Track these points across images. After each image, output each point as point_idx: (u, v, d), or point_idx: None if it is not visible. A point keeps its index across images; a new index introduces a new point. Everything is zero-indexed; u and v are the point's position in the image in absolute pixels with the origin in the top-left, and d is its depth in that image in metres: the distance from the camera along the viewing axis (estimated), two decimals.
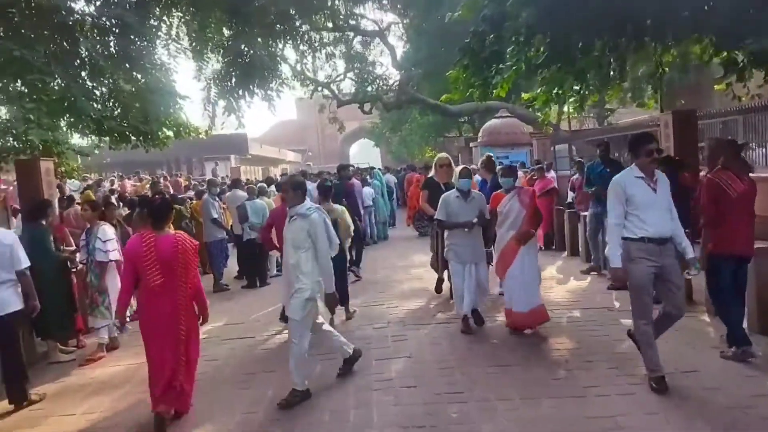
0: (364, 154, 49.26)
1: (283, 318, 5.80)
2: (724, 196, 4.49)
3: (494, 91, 6.80)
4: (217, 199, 8.87)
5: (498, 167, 7.59)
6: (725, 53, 9.17)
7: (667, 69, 10.26)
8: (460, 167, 5.75)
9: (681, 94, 17.80)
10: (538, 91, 9.22)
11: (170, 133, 9.68)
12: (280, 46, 11.91)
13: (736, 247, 4.51)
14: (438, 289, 7.13)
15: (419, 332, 5.71)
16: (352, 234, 6.60)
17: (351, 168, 11.79)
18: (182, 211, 9.75)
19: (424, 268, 9.09)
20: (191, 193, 11.86)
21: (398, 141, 34.58)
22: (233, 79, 9.81)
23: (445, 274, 6.59)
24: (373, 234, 11.99)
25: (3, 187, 11.66)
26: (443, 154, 6.98)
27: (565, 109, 33.12)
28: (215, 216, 8.73)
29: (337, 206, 6.35)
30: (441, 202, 5.56)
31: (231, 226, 9.47)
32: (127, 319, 4.30)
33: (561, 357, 4.77)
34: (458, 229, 5.49)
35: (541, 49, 6.47)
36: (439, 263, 6.69)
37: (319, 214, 4.25)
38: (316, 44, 19.76)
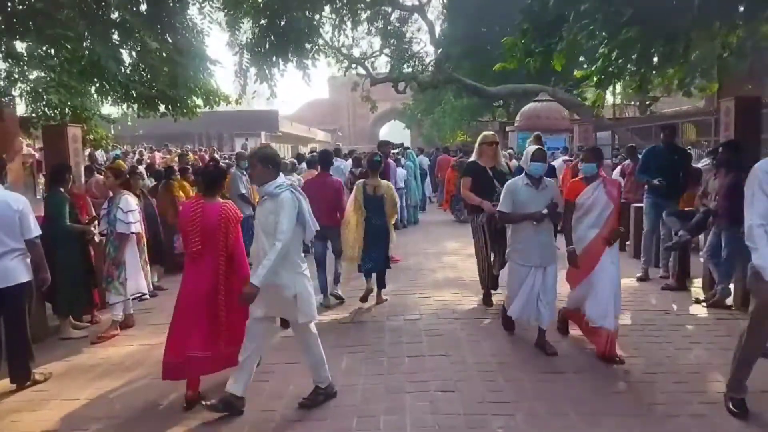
0: (394, 135, 48.49)
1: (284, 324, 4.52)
2: None
3: (552, 61, 6.14)
4: (245, 173, 8.45)
5: (581, 149, 6.87)
6: None
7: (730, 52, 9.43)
8: (533, 147, 4.58)
9: (735, 81, 16.76)
10: (593, 68, 8.55)
11: (199, 101, 9.22)
12: (317, 15, 11.19)
13: None
14: (487, 302, 5.84)
15: (454, 327, 5.22)
16: (397, 211, 6.26)
17: (391, 145, 11.07)
18: None
19: (457, 256, 8.58)
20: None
21: (430, 123, 33.85)
22: (267, 45, 9.13)
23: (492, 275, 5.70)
24: (403, 217, 11.46)
25: (30, 151, 11.49)
26: (489, 132, 5.89)
27: (609, 97, 31.93)
28: (243, 191, 8.31)
29: (384, 181, 5.98)
30: (506, 191, 4.57)
31: (257, 201, 9.08)
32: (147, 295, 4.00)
33: (619, 367, 4.21)
34: (526, 222, 4.47)
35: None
36: (488, 271, 5.67)
37: (292, 194, 3.47)
38: (353, 18, 19.08)
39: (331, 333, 5.09)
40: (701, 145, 15.27)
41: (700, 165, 11.66)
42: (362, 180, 5.95)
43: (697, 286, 6.42)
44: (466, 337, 4.92)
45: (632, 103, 25.21)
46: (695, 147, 14.15)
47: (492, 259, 5.65)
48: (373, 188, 5.75)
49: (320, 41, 9.81)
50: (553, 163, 13.64)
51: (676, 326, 5.16)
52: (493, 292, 5.89)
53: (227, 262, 3.78)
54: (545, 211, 4.36)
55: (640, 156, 9.64)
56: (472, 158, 5.81)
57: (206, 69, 8.76)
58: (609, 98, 30.73)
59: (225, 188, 8.90)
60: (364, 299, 5.95)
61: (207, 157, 14.36)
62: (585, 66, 11.55)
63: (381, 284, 6.07)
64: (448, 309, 5.78)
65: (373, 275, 6.00)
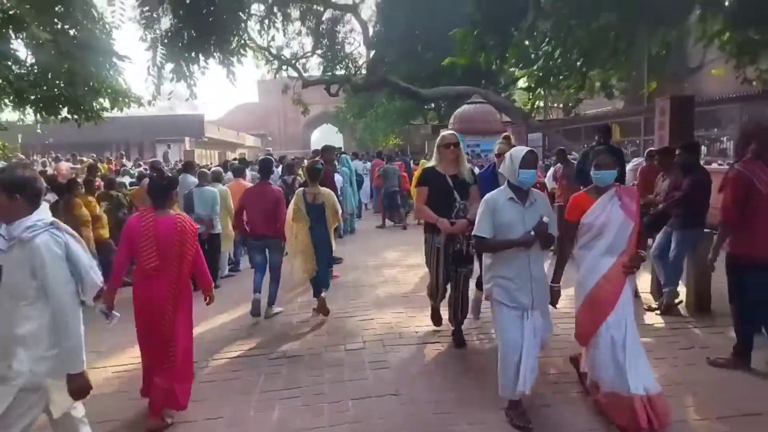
0: (326, 139, 47.53)
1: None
2: (752, 190, 3.85)
3: (507, 54, 5.68)
4: None
5: (591, 150, 6.12)
6: (729, 35, 8.37)
7: (663, 52, 9.45)
8: (522, 150, 3.42)
9: (659, 79, 17.30)
10: (534, 67, 8.25)
11: (106, 104, 8.12)
12: (242, 9, 10.17)
13: (759, 250, 3.85)
14: (436, 320, 5.15)
15: (402, 356, 4.62)
16: (340, 219, 6.06)
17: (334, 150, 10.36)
18: (120, 199, 8.39)
19: (398, 268, 8.03)
20: (129, 179, 10.37)
21: (363, 127, 33.33)
22: (185, 38, 8.01)
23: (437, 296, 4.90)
24: (339, 227, 10.78)
25: None
26: (448, 132, 4.75)
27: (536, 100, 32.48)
28: None
29: (325, 189, 5.82)
30: (483, 209, 3.42)
31: None
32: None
33: (586, 397, 3.75)
34: (513, 251, 3.36)
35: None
36: (439, 288, 4.73)
37: (53, 236, 2.45)
38: (283, 15, 18.22)
39: (261, 373, 4.38)
40: (625, 146, 15.62)
41: (630, 166, 11.76)
42: (302, 188, 5.81)
43: (645, 292, 6.17)
44: (418, 369, 4.33)
45: (556, 105, 25.75)
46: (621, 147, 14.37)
47: (449, 295, 4.73)
48: (313, 196, 5.61)
49: (246, 37, 8.83)
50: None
51: (678, 358, 4.79)
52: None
53: (184, 280, 3.61)
54: (533, 232, 3.30)
55: (571, 158, 9.53)
56: (430, 164, 4.74)
57: (113, 65, 7.66)
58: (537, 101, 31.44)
59: (138, 200, 8.03)
60: (324, 313, 5.76)
61: (113, 167, 13.10)
62: (520, 66, 11.42)
63: (318, 291, 5.83)
64: (394, 333, 5.18)
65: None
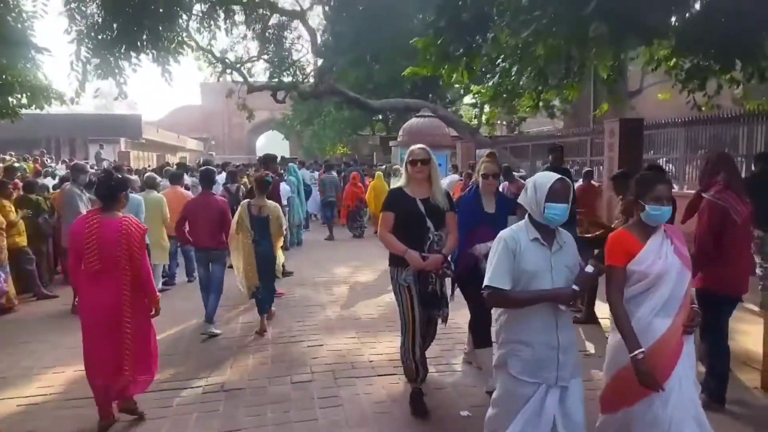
0: (272, 146, 46.55)
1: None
2: (728, 221, 3.66)
3: (474, 65, 5.37)
4: (84, 191, 6.76)
5: (616, 174, 5.36)
6: (675, 60, 8.48)
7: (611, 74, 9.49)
8: (551, 177, 2.60)
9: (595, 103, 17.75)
10: (490, 83, 8.08)
11: (24, 100, 7.26)
12: (180, 9, 9.37)
13: (735, 284, 3.75)
14: (419, 407, 3.78)
15: (356, 392, 4.16)
16: (284, 233, 5.94)
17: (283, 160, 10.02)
18: (40, 203, 7.56)
19: (349, 286, 7.59)
20: (51, 181, 9.45)
21: (310, 135, 32.73)
22: (115, 30, 7.18)
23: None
24: (286, 239, 10.24)
25: None
26: (417, 146, 3.77)
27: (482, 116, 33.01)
28: (83, 212, 6.62)
29: (270, 202, 5.68)
30: (501, 249, 2.56)
31: None
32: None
33: None
34: (538, 308, 2.51)
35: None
36: (414, 338, 3.65)
37: None
38: (227, 17, 17.49)
39: (193, 411, 3.82)
40: (570, 165, 15.85)
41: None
42: (247, 200, 5.69)
43: (606, 317, 5.99)
44: (373, 409, 3.88)
45: (500, 122, 26.16)
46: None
47: (419, 349, 3.69)
48: (258, 208, 5.48)
49: (184, 35, 8.07)
50: (444, 180, 13.29)
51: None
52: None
53: (132, 282, 3.52)
54: (577, 286, 2.46)
55: (518, 175, 9.44)
56: (397, 183, 3.95)
57: (30, 59, 6.81)
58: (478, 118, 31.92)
59: (59, 206, 7.24)
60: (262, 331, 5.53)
61: (37, 167, 12.02)
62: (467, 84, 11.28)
63: (263, 309, 5.63)
64: (346, 362, 4.72)
65: None
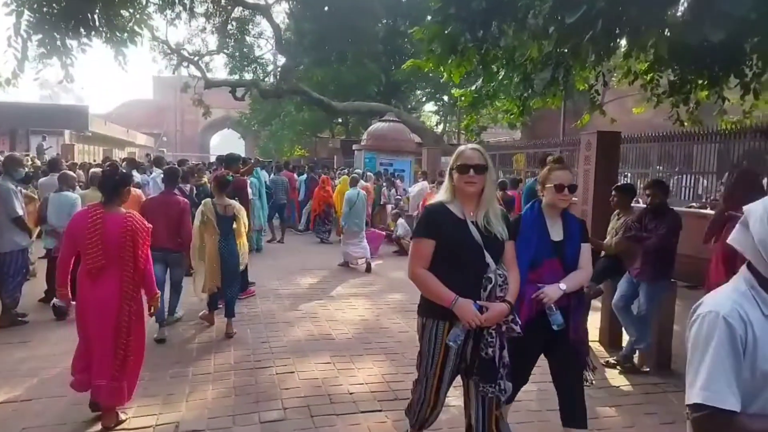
0: (227, 145, 45.13)
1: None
2: None
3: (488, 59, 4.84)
4: (20, 187, 5.90)
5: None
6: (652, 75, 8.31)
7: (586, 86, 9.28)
8: None
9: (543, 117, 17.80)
10: (472, 87, 7.63)
11: None
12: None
13: None
14: None
15: (336, 430, 3.58)
16: (245, 232, 5.71)
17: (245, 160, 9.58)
18: None
19: (317, 300, 6.97)
20: None
21: (268, 135, 31.80)
22: (62, 2, 6.14)
23: None
24: (251, 243, 9.54)
25: None
26: (471, 146, 2.67)
27: (440, 124, 33.04)
28: (19, 213, 5.72)
29: (234, 201, 5.61)
30: (722, 339, 1.37)
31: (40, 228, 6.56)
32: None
33: None
34: None
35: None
36: (433, 408, 2.72)
37: None
38: (187, 9, 16.55)
39: None
40: (527, 176, 15.81)
41: (414, 190, 11.62)
42: (209, 198, 5.57)
43: (594, 340, 5.61)
44: None
45: (458, 131, 26.14)
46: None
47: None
48: (224, 208, 5.39)
49: (143, 12, 7.19)
50: (414, 187, 12.90)
51: (606, 406, 4.12)
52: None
53: (136, 280, 3.49)
54: None
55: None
56: (437, 198, 2.71)
57: None
58: (441, 126, 31.83)
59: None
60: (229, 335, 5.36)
61: None
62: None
63: (230, 313, 5.49)
64: (322, 395, 4.10)
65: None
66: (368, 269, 8.90)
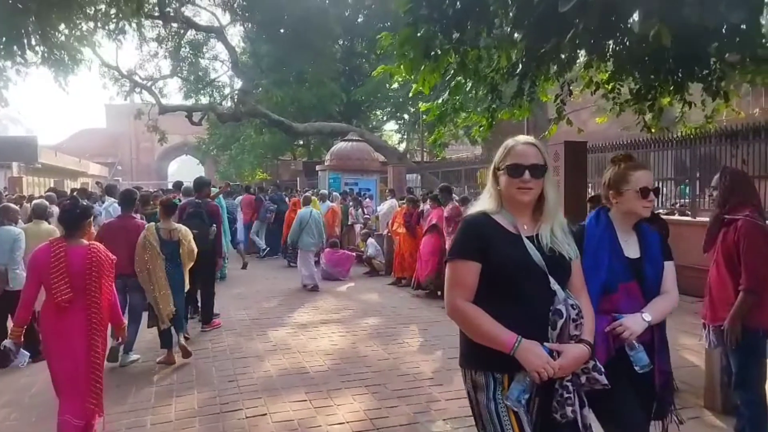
0: (185, 171, 44.15)
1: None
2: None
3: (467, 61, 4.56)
4: None
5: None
6: (613, 84, 8.30)
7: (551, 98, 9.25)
8: None
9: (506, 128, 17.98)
10: (439, 101, 7.40)
11: None
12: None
13: None
14: None
15: None
16: (194, 258, 5.45)
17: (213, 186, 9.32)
18: None
19: (287, 329, 6.54)
20: None
21: (228, 160, 31.14)
22: None
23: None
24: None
25: None
26: (523, 140, 1.98)
27: (402, 142, 33.08)
28: None
29: (180, 225, 5.48)
30: None
31: None
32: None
33: None
34: None
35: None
36: None
37: None
38: (136, 33, 16.00)
39: None
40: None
41: (385, 207, 11.65)
42: (153, 223, 5.38)
43: None
44: None
45: (421, 149, 26.22)
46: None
47: None
48: (168, 232, 5.26)
49: (85, 29, 6.66)
50: (382, 205, 12.60)
51: None
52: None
53: (102, 312, 3.42)
54: None
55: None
56: (478, 206, 2.04)
57: None
58: (404, 144, 31.84)
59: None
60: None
61: None
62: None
63: (179, 327, 5.36)
64: None
65: None
66: (314, 288, 8.86)
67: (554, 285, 1.86)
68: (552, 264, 1.88)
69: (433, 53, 4.53)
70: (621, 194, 2.27)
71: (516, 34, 5.83)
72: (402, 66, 4.89)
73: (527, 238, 1.91)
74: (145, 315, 5.41)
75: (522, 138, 1.97)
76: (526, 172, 1.89)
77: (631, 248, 2.25)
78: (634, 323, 2.08)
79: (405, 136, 31.00)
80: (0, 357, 5.22)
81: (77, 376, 3.29)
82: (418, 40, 4.34)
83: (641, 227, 2.31)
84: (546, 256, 1.89)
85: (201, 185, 7.12)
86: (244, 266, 11.22)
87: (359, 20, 26.15)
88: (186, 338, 5.56)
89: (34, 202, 6.47)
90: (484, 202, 2.02)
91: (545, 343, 1.80)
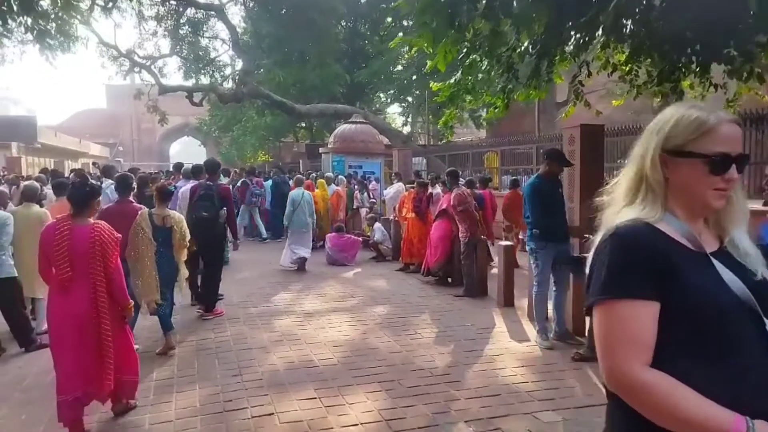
0: (188, 153, 43.73)
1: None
2: None
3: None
4: None
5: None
6: (630, 66, 7.93)
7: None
8: None
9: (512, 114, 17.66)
10: (451, 80, 7.03)
11: None
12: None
13: None
14: None
15: None
16: (187, 245, 5.21)
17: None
18: None
19: (293, 317, 6.25)
20: None
21: (229, 141, 30.75)
22: None
23: None
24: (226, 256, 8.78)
25: None
26: (727, 119, 1.23)
27: (406, 125, 32.62)
28: None
29: (174, 212, 5.34)
30: None
31: None
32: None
33: None
34: None
35: None
36: None
37: None
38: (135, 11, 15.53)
39: None
40: (495, 173, 15.51)
41: (392, 191, 11.32)
42: (147, 209, 5.24)
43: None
44: None
45: (427, 132, 25.85)
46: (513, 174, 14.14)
47: None
48: (161, 219, 5.11)
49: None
50: (389, 189, 12.26)
51: None
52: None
53: (107, 288, 3.48)
54: None
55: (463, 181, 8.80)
56: (627, 213, 1.30)
57: None
58: (408, 127, 31.39)
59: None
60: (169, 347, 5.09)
61: None
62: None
63: (167, 326, 5.19)
64: None
65: None
66: (300, 268, 8.97)
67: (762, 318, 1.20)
68: (759, 292, 1.22)
69: (457, 22, 4.14)
70: None
71: (539, 10, 5.47)
72: (422, 36, 4.47)
73: (714, 257, 1.25)
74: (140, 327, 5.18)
75: (723, 113, 1.26)
76: (733, 166, 1.25)
77: None
78: None
79: (409, 119, 30.53)
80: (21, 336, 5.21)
81: (84, 353, 3.37)
82: (442, 5, 3.94)
83: None
84: (750, 283, 1.22)
85: (213, 167, 6.84)
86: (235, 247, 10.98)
87: (362, 0, 25.56)
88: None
89: (24, 183, 6.14)
90: (637, 209, 1.29)
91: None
